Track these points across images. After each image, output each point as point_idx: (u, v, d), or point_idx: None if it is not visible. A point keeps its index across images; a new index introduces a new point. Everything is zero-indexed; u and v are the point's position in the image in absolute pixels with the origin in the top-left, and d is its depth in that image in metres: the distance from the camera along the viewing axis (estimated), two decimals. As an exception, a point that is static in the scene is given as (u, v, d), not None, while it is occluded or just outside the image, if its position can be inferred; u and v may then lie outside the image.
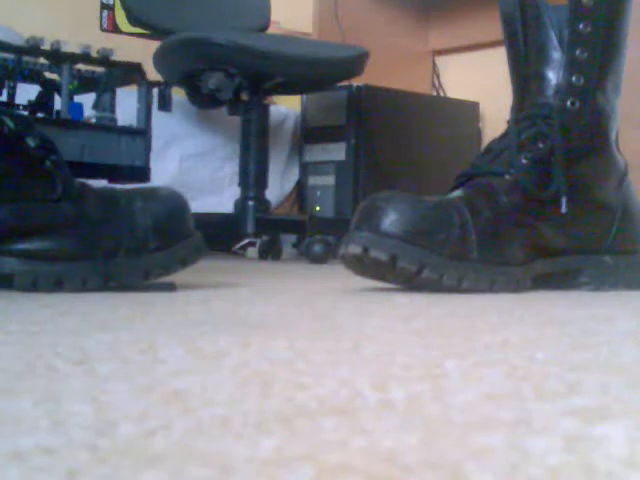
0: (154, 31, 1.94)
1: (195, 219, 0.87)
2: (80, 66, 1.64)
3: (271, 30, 2.18)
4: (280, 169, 2.23)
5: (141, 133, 1.69)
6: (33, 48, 1.56)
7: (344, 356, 0.43)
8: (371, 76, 2.06)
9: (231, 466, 0.22)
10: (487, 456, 0.24)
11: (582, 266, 0.97)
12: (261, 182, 1.93)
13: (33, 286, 0.77)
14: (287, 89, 2.01)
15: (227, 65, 1.79)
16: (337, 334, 0.52)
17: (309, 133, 2.21)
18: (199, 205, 1.95)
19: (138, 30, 1.98)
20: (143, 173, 1.69)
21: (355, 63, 1.91)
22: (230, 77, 1.82)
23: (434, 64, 2.66)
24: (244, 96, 1.91)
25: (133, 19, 1.91)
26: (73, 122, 1.59)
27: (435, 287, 0.86)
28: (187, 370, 0.38)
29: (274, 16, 2.18)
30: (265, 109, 1.95)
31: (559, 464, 0.23)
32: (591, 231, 0.98)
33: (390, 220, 0.85)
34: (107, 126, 1.64)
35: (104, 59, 1.65)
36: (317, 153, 2.17)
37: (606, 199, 0.99)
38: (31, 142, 0.81)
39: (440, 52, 2.65)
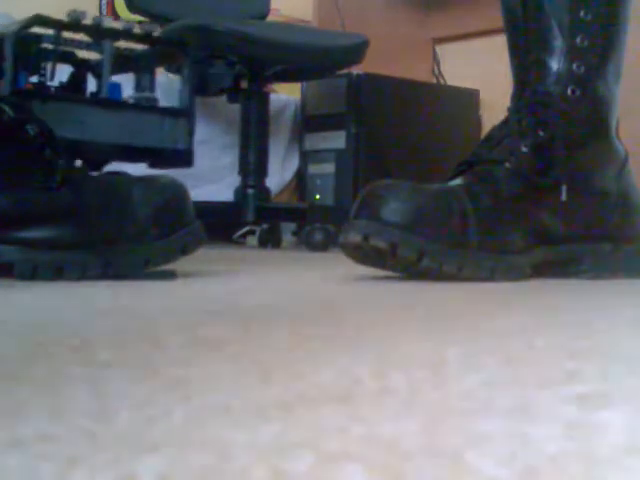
0: (154, 18, 1.94)
1: (195, 207, 0.87)
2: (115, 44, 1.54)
3: (271, 18, 2.17)
4: (280, 157, 2.23)
5: (184, 114, 1.60)
6: (74, 23, 1.47)
7: (344, 343, 0.43)
8: (371, 64, 2.06)
9: (231, 453, 0.22)
10: (487, 443, 0.24)
11: (582, 254, 0.97)
12: (261, 170, 1.92)
13: (33, 274, 0.77)
14: (287, 77, 2.00)
15: (227, 53, 1.79)
16: (337, 322, 0.52)
17: (309, 121, 2.20)
18: (199, 193, 1.95)
19: (137, 17, 1.97)
20: (186, 157, 1.61)
21: (355, 51, 1.90)
22: (230, 65, 1.81)
23: (434, 52, 2.65)
24: (244, 84, 1.90)
25: (133, 6, 1.91)
26: (114, 102, 1.51)
27: (435, 275, 0.86)
28: (187, 358, 0.38)
29: (274, 4, 2.17)
30: (265, 97, 1.95)
31: (559, 451, 0.23)
32: (591, 219, 0.98)
33: (390, 208, 0.85)
34: (149, 107, 1.55)
35: (147, 36, 1.57)
36: (317, 141, 2.17)
37: (606, 187, 0.99)
38: (31, 130, 0.80)
39: (440, 40, 2.64)
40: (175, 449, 0.23)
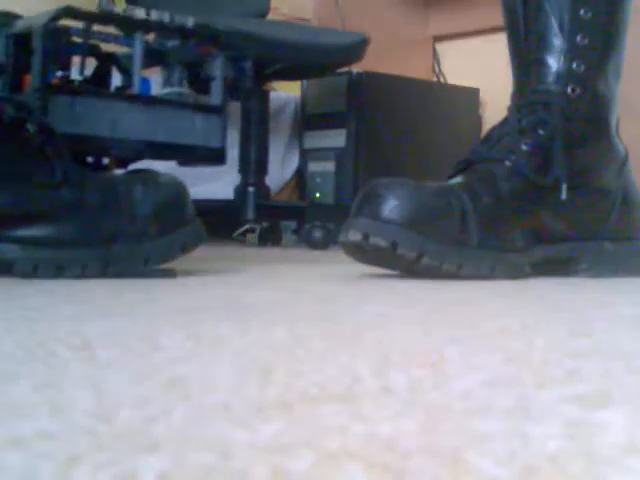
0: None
1: (195, 205, 0.87)
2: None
3: (271, 16, 2.17)
4: (280, 155, 2.23)
5: (217, 110, 1.55)
6: (105, 14, 1.42)
7: (344, 342, 0.43)
8: (371, 62, 2.05)
9: (231, 452, 0.22)
10: (487, 442, 0.24)
11: (582, 252, 0.97)
12: (261, 168, 1.92)
13: (33, 272, 0.77)
14: (287, 75, 2.00)
15: (227, 51, 1.78)
16: (337, 320, 0.52)
17: (309, 119, 2.20)
18: (199, 191, 1.95)
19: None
20: (219, 155, 1.55)
21: (355, 49, 1.90)
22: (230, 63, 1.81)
23: (434, 50, 2.65)
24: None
25: (132, 3, 1.91)
26: (146, 98, 1.45)
27: (435, 273, 0.86)
28: (187, 356, 0.38)
29: (274, 2, 2.17)
30: (265, 95, 1.95)
31: (559, 450, 0.23)
32: (591, 217, 0.98)
33: (390, 206, 0.85)
34: (181, 103, 1.50)
35: (181, 28, 1.51)
36: (317, 139, 2.16)
37: (606, 185, 0.99)
38: (31, 128, 0.80)
39: (440, 38, 2.64)
40: (175, 448, 0.23)
